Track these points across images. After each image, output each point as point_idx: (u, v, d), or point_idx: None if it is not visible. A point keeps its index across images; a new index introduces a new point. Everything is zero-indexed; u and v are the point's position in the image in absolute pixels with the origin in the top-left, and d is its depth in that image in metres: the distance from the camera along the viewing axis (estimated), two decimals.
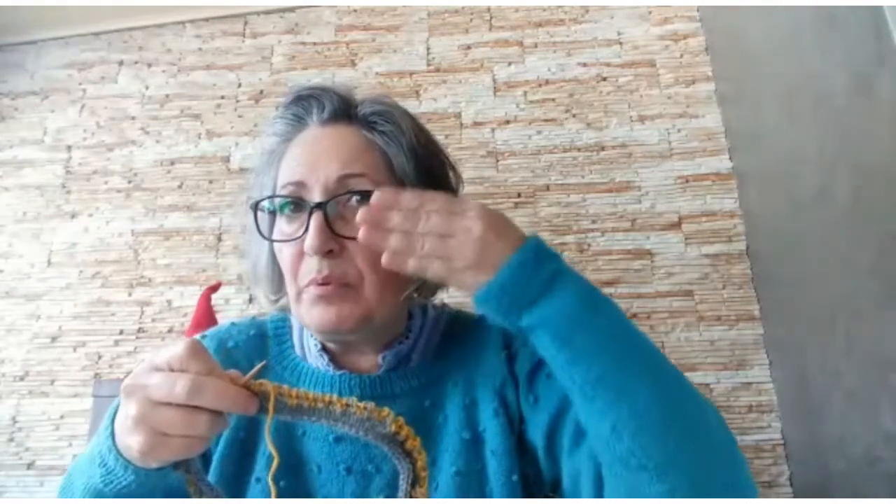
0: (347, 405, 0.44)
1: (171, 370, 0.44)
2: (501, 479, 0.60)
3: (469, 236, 0.50)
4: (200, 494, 0.47)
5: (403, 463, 0.46)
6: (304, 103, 0.65)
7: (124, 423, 0.45)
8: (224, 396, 0.43)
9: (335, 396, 0.45)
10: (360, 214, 0.51)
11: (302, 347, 0.67)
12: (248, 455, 0.62)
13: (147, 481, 0.47)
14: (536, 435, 0.60)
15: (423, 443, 0.47)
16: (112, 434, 0.47)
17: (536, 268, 0.50)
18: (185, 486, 0.47)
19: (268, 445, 0.44)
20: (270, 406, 0.44)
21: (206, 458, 0.64)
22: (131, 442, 0.44)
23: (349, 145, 0.62)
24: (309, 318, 0.59)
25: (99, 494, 0.49)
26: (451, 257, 0.50)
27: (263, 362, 0.50)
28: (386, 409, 0.45)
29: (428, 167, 0.65)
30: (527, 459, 0.61)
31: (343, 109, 0.65)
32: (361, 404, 0.45)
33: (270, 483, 0.45)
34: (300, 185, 0.60)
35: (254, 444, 0.63)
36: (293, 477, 0.61)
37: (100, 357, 1.42)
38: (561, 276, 0.50)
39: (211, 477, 0.63)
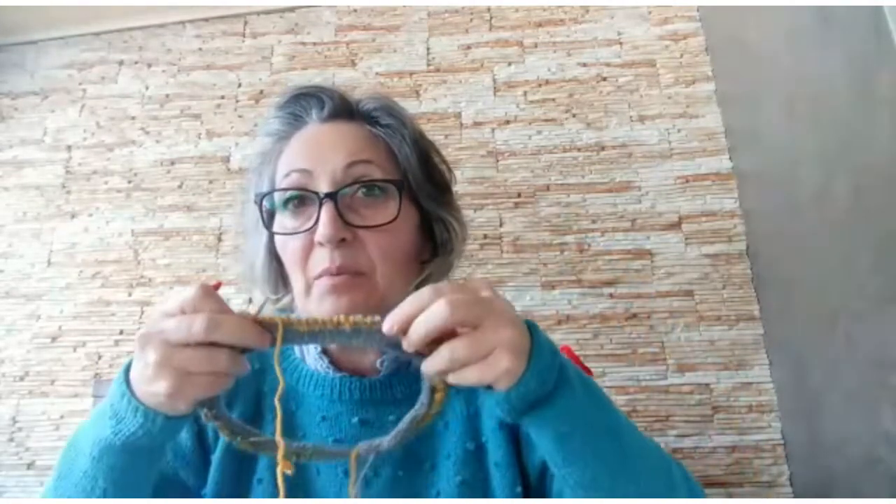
0: (356, 323, 0.45)
1: (184, 313, 0.44)
2: (506, 490, 0.60)
3: (502, 315, 0.45)
4: (233, 435, 0.47)
5: (415, 362, 0.47)
6: (304, 102, 0.65)
7: (144, 372, 0.45)
8: (240, 330, 0.44)
9: (342, 317, 0.46)
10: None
11: (301, 349, 0.67)
12: (250, 455, 0.62)
13: (167, 426, 0.47)
14: (533, 468, 0.62)
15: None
16: (127, 391, 0.47)
17: (553, 355, 0.47)
18: (218, 431, 0.47)
19: (276, 373, 0.45)
20: (279, 336, 0.45)
21: (206, 459, 0.64)
22: (156, 388, 0.44)
23: (354, 137, 0.62)
24: (321, 311, 0.58)
25: (110, 446, 0.48)
26: (493, 345, 0.44)
27: (266, 299, 0.50)
28: None
29: (427, 159, 0.66)
30: (527, 473, 0.62)
31: (343, 107, 0.65)
32: (368, 319, 0.45)
33: (277, 404, 0.45)
34: (305, 173, 0.60)
35: None
36: (293, 478, 0.61)
37: (100, 357, 1.42)
38: (564, 367, 0.49)
39: (211, 478, 0.63)
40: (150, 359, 0.44)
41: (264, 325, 0.45)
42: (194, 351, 0.44)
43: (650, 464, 0.53)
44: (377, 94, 0.68)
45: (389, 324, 0.44)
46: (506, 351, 0.43)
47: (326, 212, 0.57)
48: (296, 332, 0.45)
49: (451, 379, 0.45)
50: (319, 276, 0.58)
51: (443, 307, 0.43)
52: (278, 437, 0.46)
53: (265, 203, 0.63)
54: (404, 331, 0.44)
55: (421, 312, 0.44)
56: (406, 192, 0.62)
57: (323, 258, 0.58)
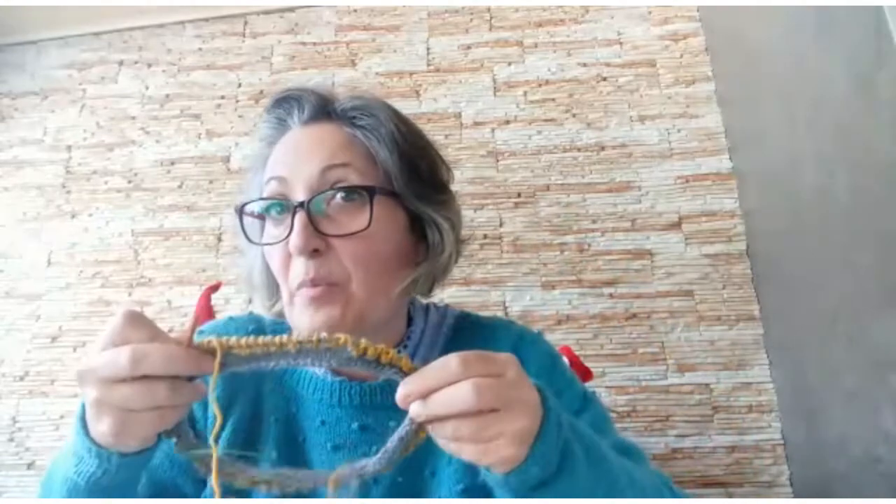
0: (300, 342, 0.43)
1: (115, 345, 0.41)
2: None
3: (523, 403, 0.44)
4: (206, 467, 0.44)
5: (387, 373, 0.45)
6: (286, 105, 0.64)
7: (89, 411, 0.43)
8: (171, 359, 0.41)
9: (286, 337, 0.43)
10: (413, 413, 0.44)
11: None
12: (251, 460, 0.62)
13: (125, 464, 0.45)
14: None
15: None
16: (82, 429, 0.45)
17: (559, 433, 0.46)
18: (195, 464, 0.45)
19: (211, 405, 0.41)
20: (216, 362, 0.41)
21: None
22: (101, 427, 0.42)
23: (331, 141, 0.61)
24: (300, 324, 0.57)
25: (75, 487, 0.47)
26: (500, 433, 0.43)
27: (195, 316, 0.49)
28: (343, 336, 0.43)
29: (412, 158, 0.63)
30: None
31: (322, 108, 0.64)
32: (314, 338, 0.43)
33: (212, 443, 0.42)
34: (282, 180, 0.59)
35: (257, 445, 0.63)
36: None
37: None
38: (568, 445, 0.47)
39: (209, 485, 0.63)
40: (90, 398, 0.42)
41: (203, 349, 0.41)
42: (130, 386, 0.40)
43: None
44: (358, 92, 0.66)
45: (406, 393, 0.43)
46: (511, 440, 0.42)
47: (298, 221, 0.55)
48: (237, 357, 0.42)
49: (447, 447, 0.44)
50: (299, 288, 0.57)
51: (469, 392, 0.41)
52: (214, 463, 0.43)
53: (257, 209, 0.62)
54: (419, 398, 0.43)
55: (443, 385, 0.42)
56: (385, 195, 0.60)
57: (299, 269, 0.56)
